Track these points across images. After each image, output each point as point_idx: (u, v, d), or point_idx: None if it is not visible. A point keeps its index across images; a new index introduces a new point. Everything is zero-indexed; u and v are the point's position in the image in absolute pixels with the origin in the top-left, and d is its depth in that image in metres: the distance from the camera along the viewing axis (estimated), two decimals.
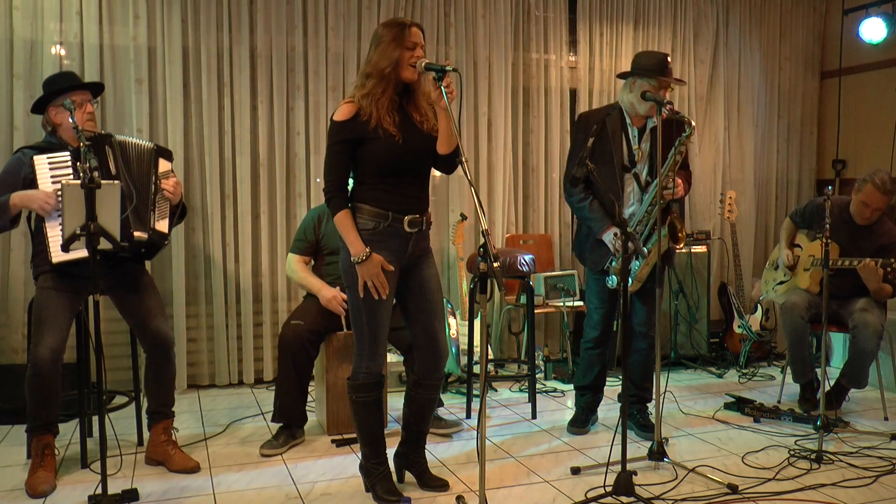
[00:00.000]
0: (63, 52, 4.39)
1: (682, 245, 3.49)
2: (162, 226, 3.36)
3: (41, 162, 3.16)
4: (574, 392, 3.97)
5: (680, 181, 3.53)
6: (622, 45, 5.53)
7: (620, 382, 3.25)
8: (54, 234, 3.10)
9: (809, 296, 4.19)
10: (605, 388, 4.60)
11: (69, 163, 3.16)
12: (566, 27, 5.46)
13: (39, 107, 3.33)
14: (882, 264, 3.87)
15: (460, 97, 2.76)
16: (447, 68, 2.68)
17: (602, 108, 3.84)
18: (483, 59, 5.18)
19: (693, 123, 3.39)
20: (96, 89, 3.45)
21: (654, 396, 3.54)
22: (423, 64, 2.76)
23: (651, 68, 3.49)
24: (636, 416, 3.80)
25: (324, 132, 4.75)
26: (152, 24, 4.52)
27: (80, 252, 3.00)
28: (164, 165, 3.41)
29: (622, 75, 3.66)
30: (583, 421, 3.86)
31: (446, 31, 5.12)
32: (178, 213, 3.49)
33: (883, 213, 4.11)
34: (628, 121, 3.60)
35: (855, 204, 4.07)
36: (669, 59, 3.53)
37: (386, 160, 2.81)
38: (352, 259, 2.80)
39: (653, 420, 3.56)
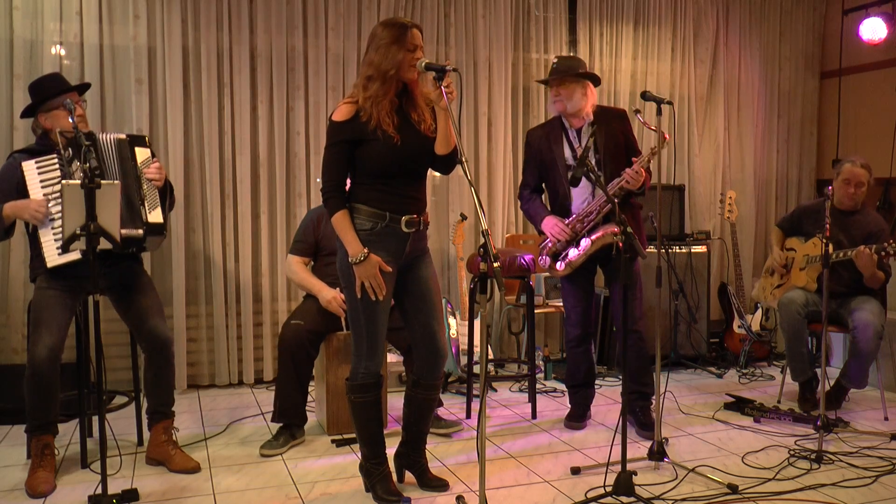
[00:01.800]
0: (63, 52, 4.39)
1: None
2: (156, 216, 3.31)
3: (29, 167, 3.18)
4: (567, 390, 4.03)
5: (644, 172, 3.63)
6: (622, 45, 5.53)
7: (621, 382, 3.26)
8: (48, 240, 3.13)
9: (807, 293, 4.20)
10: (607, 387, 4.62)
11: (56, 165, 3.17)
12: (566, 27, 5.46)
13: (30, 110, 3.34)
14: (876, 250, 3.90)
15: (460, 97, 2.76)
16: (447, 68, 2.68)
17: (545, 122, 4.02)
18: (483, 59, 5.18)
19: (667, 137, 3.56)
20: (82, 89, 3.46)
21: (654, 393, 3.55)
22: (423, 64, 2.76)
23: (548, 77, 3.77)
24: (637, 413, 3.81)
25: (324, 132, 4.73)
26: (152, 24, 4.52)
27: (73, 255, 3.03)
28: (142, 154, 3.35)
29: (543, 82, 3.93)
30: (579, 416, 3.91)
31: (446, 31, 5.12)
32: (168, 195, 3.44)
33: (865, 202, 4.16)
34: (567, 124, 3.78)
35: (838, 188, 4.12)
36: (555, 60, 3.79)
37: (384, 161, 2.81)
38: (349, 259, 2.80)
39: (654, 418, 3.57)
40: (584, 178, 3.60)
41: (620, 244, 3.46)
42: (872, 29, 5.47)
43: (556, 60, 3.80)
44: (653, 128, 3.50)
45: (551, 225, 3.73)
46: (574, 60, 3.79)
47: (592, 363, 3.95)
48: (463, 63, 5.12)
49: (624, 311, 3.22)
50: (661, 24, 5.62)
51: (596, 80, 3.78)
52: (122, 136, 3.35)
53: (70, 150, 3.13)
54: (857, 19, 5.63)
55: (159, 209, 3.35)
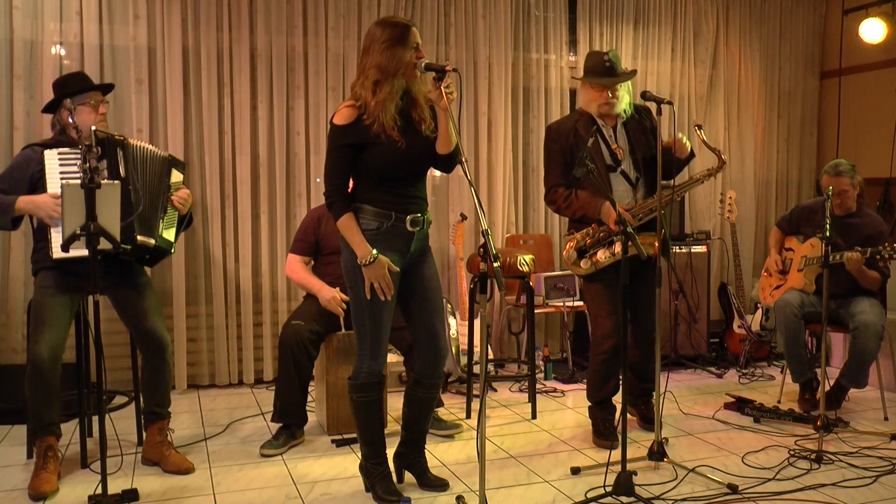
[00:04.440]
0: (63, 52, 4.39)
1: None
2: (169, 234, 3.41)
3: (52, 157, 3.15)
4: (590, 405, 3.76)
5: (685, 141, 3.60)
6: (622, 45, 5.53)
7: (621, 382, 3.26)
8: (57, 231, 3.11)
9: (804, 294, 4.19)
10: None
11: (79, 161, 3.16)
12: (566, 27, 5.46)
13: (50, 107, 3.34)
14: (871, 254, 3.90)
15: (460, 97, 2.76)
16: (447, 69, 2.67)
17: (568, 116, 3.87)
18: (483, 59, 5.18)
19: (724, 159, 3.60)
20: (106, 89, 3.49)
21: (655, 391, 3.56)
22: (424, 64, 2.76)
23: (594, 70, 3.56)
24: (641, 408, 3.86)
25: (324, 132, 4.75)
26: (152, 24, 4.52)
27: (80, 250, 3.01)
28: (175, 176, 3.46)
29: (578, 78, 3.74)
30: (612, 432, 3.62)
31: (446, 31, 5.12)
32: (186, 222, 3.57)
33: (859, 199, 4.16)
34: (601, 122, 3.63)
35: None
36: (607, 58, 3.56)
37: (389, 164, 2.81)
38: (359, 261, 2.79)
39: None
40: (626, 182, 3.58)
41: (657, 245, 3.42)
42: (872, 29, 5.47)
43: (608, 59, 3.54)
44: (712, 148, 3.54)
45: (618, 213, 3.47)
46: (617, 58, 3.59)
47: (618, 373, 3.68)
48: (463, 63, 5.12)
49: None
50: (661, 24, 5.62)
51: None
52: (166, 154, 3.48)
53: (99, 148, 3.12)
54: (857, 19, 5.63)
55: (174, 230, 3.45)
